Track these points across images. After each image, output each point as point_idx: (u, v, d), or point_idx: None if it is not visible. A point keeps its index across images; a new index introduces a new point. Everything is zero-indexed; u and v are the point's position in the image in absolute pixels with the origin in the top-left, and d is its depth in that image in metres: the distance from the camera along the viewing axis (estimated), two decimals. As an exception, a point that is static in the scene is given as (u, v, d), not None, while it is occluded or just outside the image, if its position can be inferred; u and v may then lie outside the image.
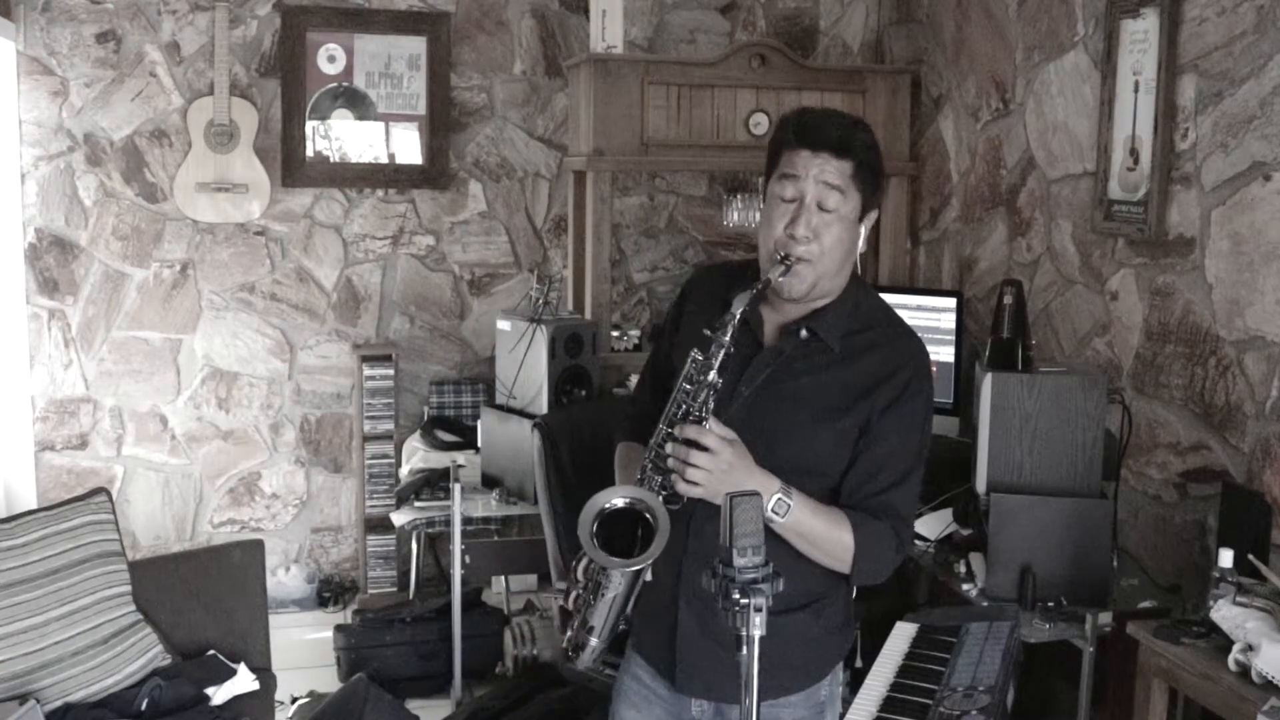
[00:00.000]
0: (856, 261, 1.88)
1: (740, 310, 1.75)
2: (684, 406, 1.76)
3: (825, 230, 1.78)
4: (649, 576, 1.82)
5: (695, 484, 1.71)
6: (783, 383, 1.84)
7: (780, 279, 1.77)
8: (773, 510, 1.73)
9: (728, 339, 1.74)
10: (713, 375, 1.74)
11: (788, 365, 1.84)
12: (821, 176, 1.77)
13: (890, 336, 1.87)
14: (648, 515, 1.74)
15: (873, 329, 1.87)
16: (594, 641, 1.84)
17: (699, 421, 1.74)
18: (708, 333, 1.76)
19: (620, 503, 1.74)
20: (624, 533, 1.76)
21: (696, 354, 1.77)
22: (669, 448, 1.74)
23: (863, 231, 1.84)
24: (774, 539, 1.73)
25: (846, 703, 1.81)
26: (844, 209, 1.78)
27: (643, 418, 1.95)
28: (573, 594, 1.85)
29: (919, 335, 1.93)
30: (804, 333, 1.84)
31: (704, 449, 1.70)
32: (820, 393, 1.83)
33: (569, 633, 1.86)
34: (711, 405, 1.75)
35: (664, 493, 1.77)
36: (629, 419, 2.06)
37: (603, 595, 1.81)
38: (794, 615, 1.84)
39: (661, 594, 1.89)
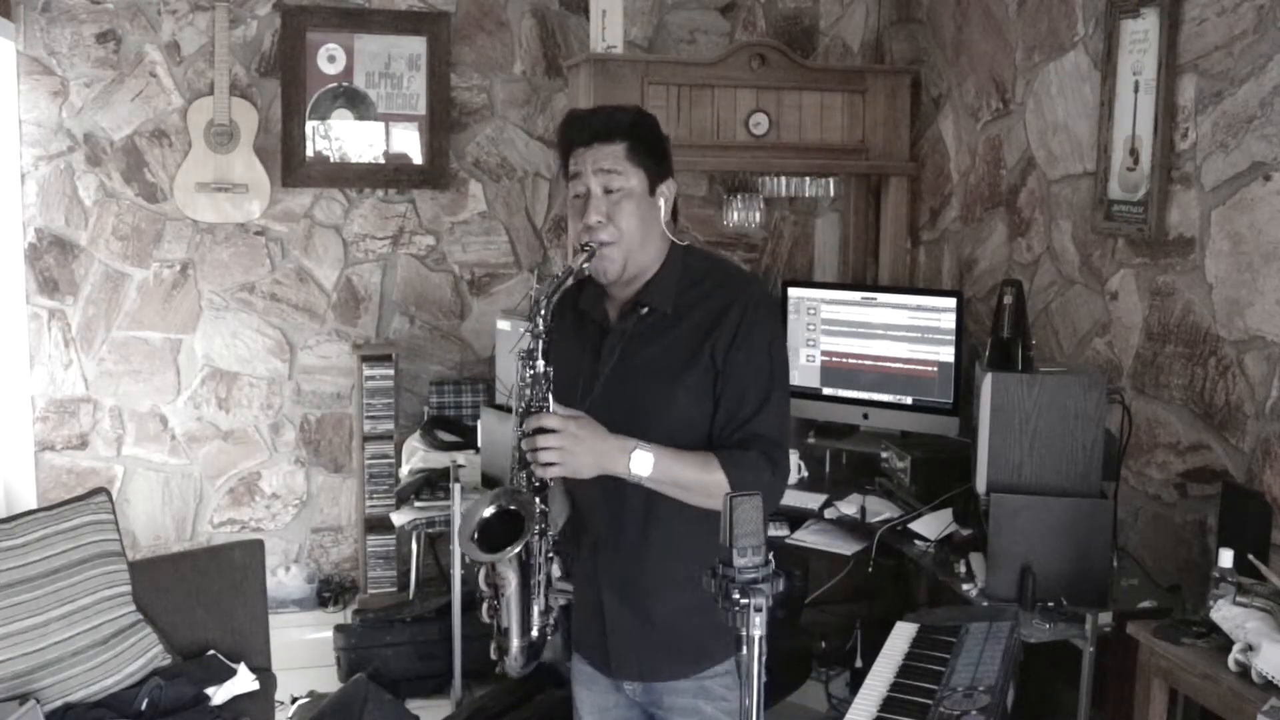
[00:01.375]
0: (667, 231, 1.96)
1: (543, 297, 1.85)
2: (525, 403, 1.85)
3: (616, 210, 1.89)
4: (556, 571, 1.91)
5: (551, 464, 1.80)
6: (632, 357, 1.94)
7: (587, 265, 1.88)
8: (634, 467, 1.82)
9: (540, 329, 1.84)
10: (540, 366, 1.84)
11: (633, 341, 1.94)
12: (597, 164, 1.89)
13: (718, 283, 1.97)
14: (515, 508, 1.83)
15: (702, 282, 1.96)
16: (515, 642, 1.92)
17: (540, 410, 1.83)
18: (523, 329, 1.88)
19: (489, 511, 1.85)
20: (510, 532, 1.84)
21: (520, 350, 1.87)
22: (523, 443, 1.83)
23: (661, 203, 1.95)
24: (662, 509, 1.87)
25: (846, 702, 1.81)
26: (629, 185, 1.90)
27: None
28: (485, 606, 1.93)
29: (755, 276, 2.00)
30: (642, 309, 1.94)
31: (549, 431, 1.79)
32: (666, 355, 1.92)
33: (492, 643, 1.95)
34: (548, 393, 1.84)
35: (534, 484, 1.86)
36: None
37: (503, 595, 1.89)
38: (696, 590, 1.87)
39: (586, 588, 1.98)
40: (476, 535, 1.84)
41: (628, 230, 1.89)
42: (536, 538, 1.85)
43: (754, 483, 1.86)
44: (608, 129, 1.91)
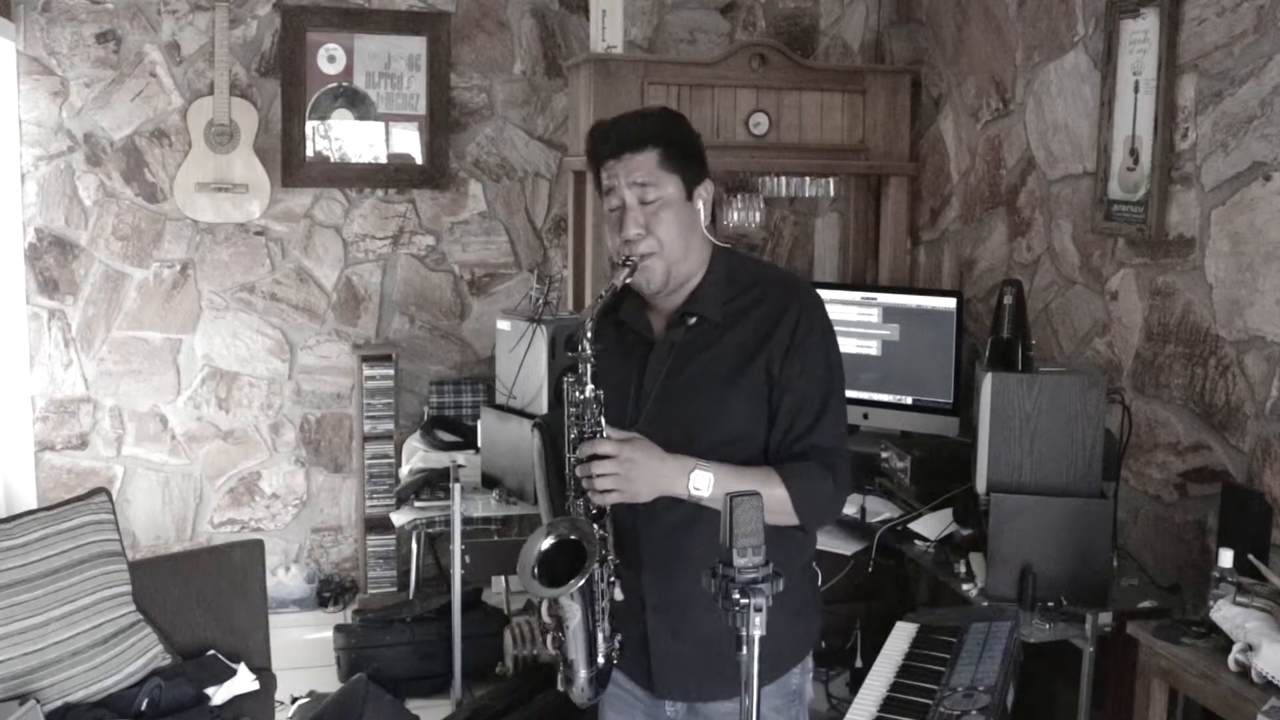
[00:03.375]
0: (709, 236, 1.92)
1: (589, 322, 1.80)
2: (577, 429, 1.81)
3: (655, 220, 1.83)
4: (619, 595, 1.86)
5: (609, 490, 1.76)
6: (682, 370, 1.88)
7: (629, 280, 1.83)
8: (694, 487, 1.77)
9: (589, 353, 1.80)
10: (590, 391, 1.79)
11: (682, 353, 1.89)
12: (630, 177, 1.83)
13: (768, 289, 1.91)
14: (576, 539, 1.79)
15: (751, 289, 1.91)
16: (581, 674, 1.87)
17: (593, 436, 1.79)
18: (570, 354, 1.83)
19: (548, 543, 1.80)
20: (569, 562, 1.79)
21: (568, 377, 1.82)
22: (578, 470, 1.79)
23: (700, 206, 1.89)
24: (705, 525, 1.77)
25: (846, 702, 1.81)
26: (665, 194, 1.84)
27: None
28: (549, 638, 1.88)
29: (802, 279, 1.98)
30: (690, 319, 1.89)
31: (604, 457, 1.75)
32: (717, 364, 1.87)
33: (559, 672, 1.89)
34: (601, 417, 1.80)
35: (591, 511, 1.82)
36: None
37: (568, 627, 1.84)
38: None
39: (630, 606, 1.92)
40: (536, 570, 1.78)
41: (668, 240, 1.84)
42: (598, 565, 1.80)
43: (817, 498, 1.84)
44: (637, 138, 1.84)
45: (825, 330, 1.91)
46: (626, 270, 1.83)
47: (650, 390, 1.88)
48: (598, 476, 1.75)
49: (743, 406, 1.85)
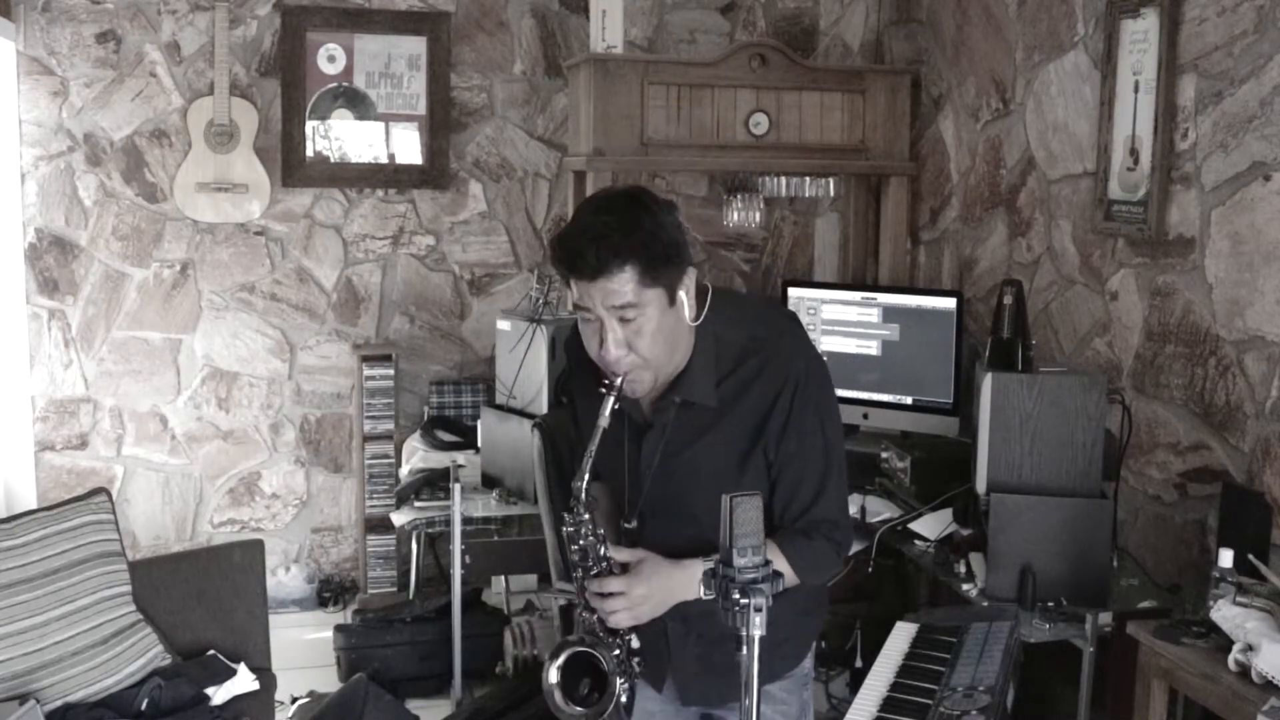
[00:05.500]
0: (690, 325, 1.80)
1: (586, 474, 1.77)
2: (583, 568, 1.82)
3: (637, 339, 1.72)
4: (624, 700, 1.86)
5: (622, 622, 1.79)
6: (678, 453, 1.85)
7: (618, 404, 1.75)
8: (706, 590, 1.72)
9: (585, 515, 1.78)
10: (587, 537, 1.79)
11: (677, 434, 1.85)
12: (606, 301, 1.69)
13: (761, 365, 1.82)
14: (593, 655, 1.81)
15: (742, 365, 1.83)
16: None
17: (601, 574, 1.80)
18: (565, 515, 1.80)
19: (564, 657, 1.81)
20: (587, 666, 1.81)
21: (567, 523, 1.80)
22: (593, 603, 1.81)
23: (683, 299, 1.75)
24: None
25: (846, 702, 1.82)
26: (647, 312, 1.71)
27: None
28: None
29: (793, 333, 1.89)
30: (676, 400, 1.83)
31: (616, 593, 1.77)
32: (715, 450, 1.84)
33: None
34: (605, 552, 1.80)
35: (604, 629, 1.83)
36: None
37: None
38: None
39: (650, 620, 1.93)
40: (557, 685, 1.80)
41: (653, 355, 1.74)
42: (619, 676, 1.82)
43: (820, 569, 1.88)
44: (614, 260, 1.66)
45: (820, 401, 1.85)
46: (612, 399, 1.73)
47: (647, 473, 1.86)
48: (610, 614, 1.78)
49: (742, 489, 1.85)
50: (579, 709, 1.78)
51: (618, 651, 1.83)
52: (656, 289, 1.71)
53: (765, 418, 1.81)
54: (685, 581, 1.78)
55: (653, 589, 1.78)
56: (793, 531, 1.85)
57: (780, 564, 1.79)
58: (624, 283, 1.68)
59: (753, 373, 1.82)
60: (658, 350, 1.74)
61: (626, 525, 1.92)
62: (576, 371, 1.98)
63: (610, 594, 1.77)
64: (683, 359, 1.82)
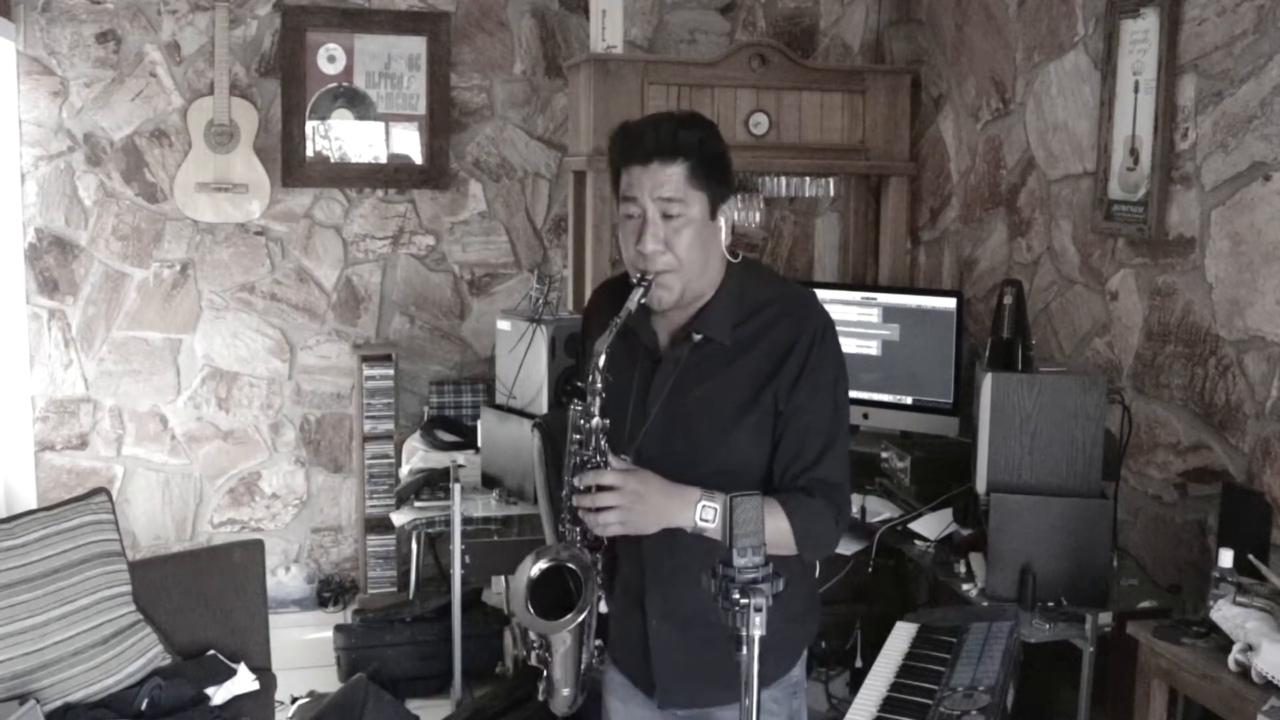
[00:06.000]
0: (725, 253, 1.86)
1: (604, 352, 1.75)
2: (579, 457, 1.77)
3: (675, 238, 1.77)
4: (604, 608, 1.84)
5: (610, 523, 1.73)
6: (688, 391, 1.84)
7: (644, 299, 1.77)
8: (701, 519, 1.73)
9: (599, 385, 1.75)
10: (596, 420, 1.75)
11: (688, 372, 1.84)
12: (656, 192, 1.75)
13: (779, 314, 1.85)
14: (571, 566, 1.76)
15: (761, 312, 1.85)
16: (564, 691, 1.85)
17: (598, 466, 1.75)
18: (579, 384, 1.79)
19: (537, 570, 1.76)
20: (559, 586, 1.77)
21: (575, 404, 1.78)
22: (575, 499, 1.76)
23: (722, 224, 1.83)
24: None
25: (846, 702, 1.81)
26: (690, 213, 1.77)
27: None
28: (533, 653, 1.86)
29: (814, 300, 1.90)
30: (695, 336, 1.84)
31: (608, 488, 1.72)
32: (725, 393, 1.83)
33: (540, 683, 1.87)
34: (605, 447, 1.76)
35: (586, 541, 1.79)
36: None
37: (557, 651, 1.81)
38: None
39: (632, 613, 1.91)
40: (530, 602, 1.75)
41: (687, 259, 1.77)
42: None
43: (819, 533, 1.82)
44: (670, 148, 1.75)
45: (835, 363, 1.86)
46: (641, 290, 1.76)
47: (653, 408, 1.85)
48: (601, 510, 1.71)
49: (747, 439, 1.82)
50: (548, 620, 1.75)
51: (597, 565, 1.79)
52: (701, 193, 1.78)
53: (778, 366, 1.81)
54: (682, 503, 1.73)
55: (647, 494, 1.73)
56: (794, 489, 1.81)
57: (778, 523, 1.75)
58: (675, 174, 1.75)
59: (770, 320, 1.84)
60: (692, 255, 1.78)
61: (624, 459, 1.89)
62: (594, 325, 1.95)
63: (604, 488, 1.71)
64: (709, 287, 1.84)
